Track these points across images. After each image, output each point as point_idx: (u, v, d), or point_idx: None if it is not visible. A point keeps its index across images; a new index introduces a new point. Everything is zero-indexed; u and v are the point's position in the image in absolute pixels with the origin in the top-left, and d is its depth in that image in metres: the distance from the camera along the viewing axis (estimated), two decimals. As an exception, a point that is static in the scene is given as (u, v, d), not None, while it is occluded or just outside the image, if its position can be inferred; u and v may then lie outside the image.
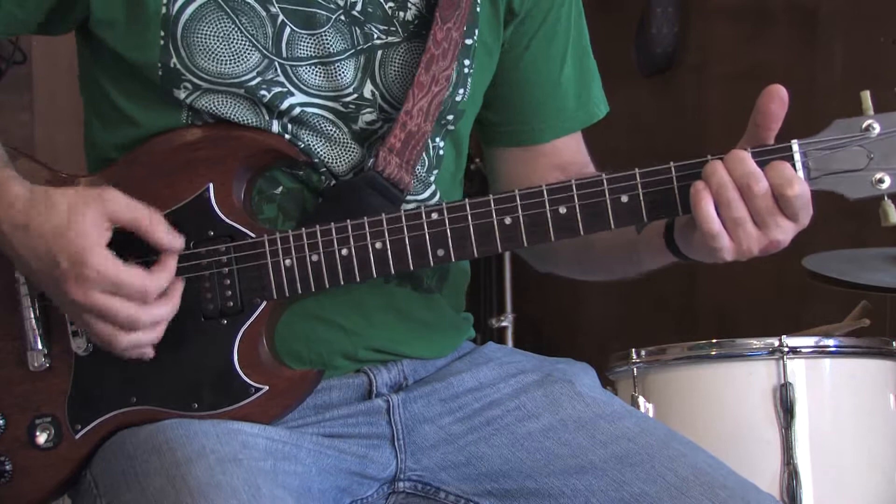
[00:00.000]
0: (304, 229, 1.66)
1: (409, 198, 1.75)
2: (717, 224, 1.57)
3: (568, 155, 1.90)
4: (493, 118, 1.89)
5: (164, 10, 1.67)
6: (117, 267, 1.57)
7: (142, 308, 1.59)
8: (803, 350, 2.63)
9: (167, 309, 1.62)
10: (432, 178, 1.80)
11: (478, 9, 1.78)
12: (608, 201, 1.62)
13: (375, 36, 1.73)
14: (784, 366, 2.60)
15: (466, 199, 1.64)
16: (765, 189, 1.56)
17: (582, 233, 1.63)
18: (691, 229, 1.62)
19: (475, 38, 1.79)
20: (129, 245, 1.62)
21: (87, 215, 1.57)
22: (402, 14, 1.75)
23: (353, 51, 1.72)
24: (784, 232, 1.58)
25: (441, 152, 1.81)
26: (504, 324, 4.23)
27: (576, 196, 1.62)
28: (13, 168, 1.65)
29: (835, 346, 2.67)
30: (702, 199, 1.57)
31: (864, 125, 1.57)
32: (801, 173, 1.57)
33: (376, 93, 1.74)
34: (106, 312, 1.59)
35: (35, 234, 1.58)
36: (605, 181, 1.62)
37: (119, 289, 1.58)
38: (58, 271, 1.57)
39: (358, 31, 1.73)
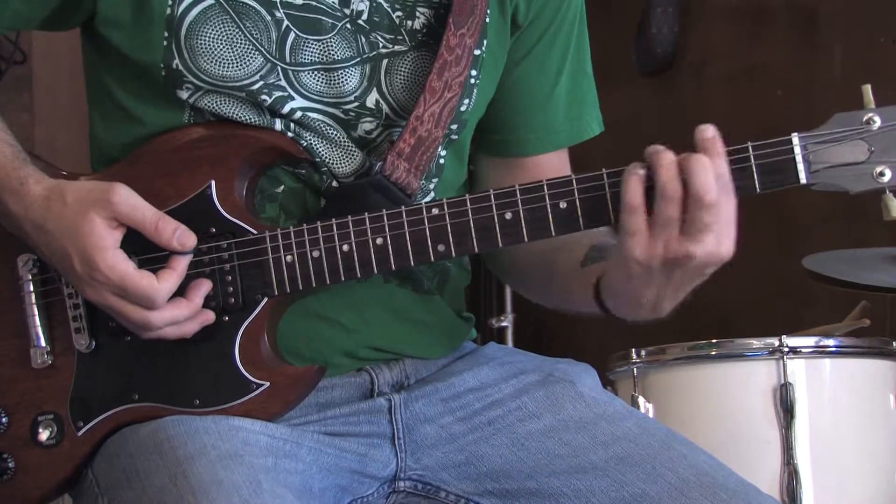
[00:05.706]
0: (305, 225, 1.66)
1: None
2: (638, 197, 1.54)
3: (550, 171, 1.84)
4: (481, 124, 1.86)
5: (168, 11, 1.68)
6: (123, 272, 1.59)
7: (150, 312, 1.60)
8: (803, 350, 2.63)
9: (180, 312, 1.62)
10: (431, 187, 1.79)
11: (487, 19, 1.77)
12: (607, 196, 1.61)
13: (381, 45, 1.73)
14: (784, 366, 2.60)
15: (467, 195, 1.64)
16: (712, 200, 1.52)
17: (582, 228, 1.62)
18: (617, 265, 1.60)
19: (484, 48, 1.78)
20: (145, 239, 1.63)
21: (95, 218, 1.59)
22: (409, 23, 1.75)
23: (358, 59, 1.72)
24: (703, 248, 1.55)
25: (442, 161, 1.80)
26: (504, 324, 4.22)
27: (576, 191, 1.62)
28: (31, 164, 1.66)
29: (835, 346, 2.68)
30: (632, 175, 1.55)
31: (864, 118, 1.57)
32: (801, 167, 1.57)
33: (382, 102, 1.73)
34: (118, 313, 1.61)
35: (50, 232, 1.61)
36: (604, 176, 1.61)
37: (126, 294, 1.59)
38: (74, 270, 1.60)
39: (363, 39, 1.72)
